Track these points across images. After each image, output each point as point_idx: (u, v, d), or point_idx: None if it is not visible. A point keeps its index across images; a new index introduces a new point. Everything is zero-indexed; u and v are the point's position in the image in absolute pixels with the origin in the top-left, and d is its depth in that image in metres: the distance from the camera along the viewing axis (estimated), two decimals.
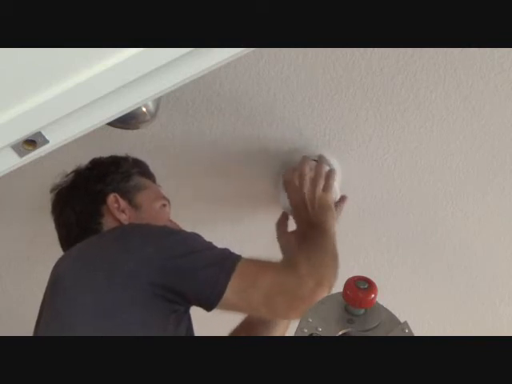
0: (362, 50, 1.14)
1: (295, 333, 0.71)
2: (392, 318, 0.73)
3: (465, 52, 1.13)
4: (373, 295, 0.72)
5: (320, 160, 1.33)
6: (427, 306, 1.72)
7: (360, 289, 0.71)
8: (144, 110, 1.20)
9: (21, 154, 0.74)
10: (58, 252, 1.18)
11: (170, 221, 1.24)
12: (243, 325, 1.30)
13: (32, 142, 0.73)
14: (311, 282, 1.03)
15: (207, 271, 1.01)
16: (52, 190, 1.25)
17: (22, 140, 0.72)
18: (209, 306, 1.02)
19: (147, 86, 0.72)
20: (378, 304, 0.73)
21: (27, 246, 1.60)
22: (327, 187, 1.30)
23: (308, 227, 1.24)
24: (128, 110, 0.76)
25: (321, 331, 0.71)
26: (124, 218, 1.18)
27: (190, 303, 1.04)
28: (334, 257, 1.13)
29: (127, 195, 1.21)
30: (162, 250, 1.02)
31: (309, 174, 1.30)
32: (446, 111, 1.24)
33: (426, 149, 1.33)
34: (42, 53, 0.66)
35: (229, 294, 1.00)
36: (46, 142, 0.73)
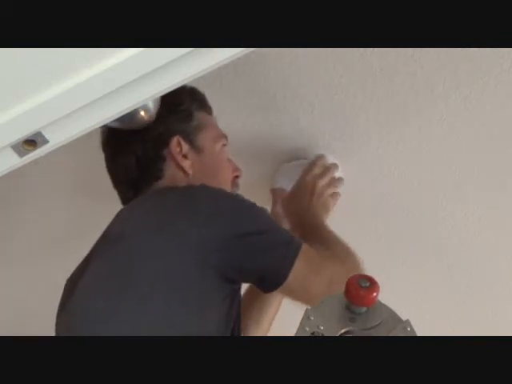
0: (361, 49, 1.14)
1: (297, 331, 0.71)
2: (394, 317, 0.73)
3: (465, 52, 1.12)
4: (374, 293, 0.71)
5: (340, 180, 1.36)
6: (427, 305, 1.72)
7: (362, 287, 0.71)
8: (144, 109, 1.20)
9: (21, 154, 0.74)
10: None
11: (229, 160, 1.22)
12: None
13: (32, 142, 0.73)
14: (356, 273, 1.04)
15: (276, 252, 0.99)
16: None
17: (22, 140, 0.72)
18: (271, 287, 1.01)
19: (147, 85, 0.72)
20: (380, 302, 0.73)
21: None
22: (335, 197, 1.34)
23: (303, 215, 1.26)
24: (128, 110, 0.76)
25: (322, 330, 0.71)
26: (187, 165, 1.14)
27: (250, 281, 1.03)
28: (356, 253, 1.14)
29: (189, 137, 1.16)
30: (235, 225, 0.99)
31: (333, 174, 1.33)
32: (446, 111, 1.24)
33: (426, 149, 1.33)
34: (42, 53, 0.66)
35: (292, 277, 0.98)
36: (45, 141, 0.74)
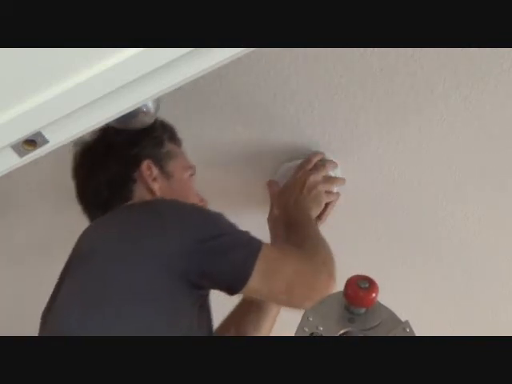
0: (361, 49, 1.14)
1: (296, 331, 0.72)
2: (393, 317, 0.73)
3: (465, 52, 1.12)
4: (374, 294, 0.72)
5: (341, 180, 1.36)
6: (427, 305, 1.72)
7: (361, 288, 0.71)
8: (144, 110, 1.20)
9: (21, 154, 0.74)
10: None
11: (197, 194, 1.25)
12: (234, 315, 1.30)
13: (32, 142, 0.73)
14: (325, 273, 1.04)
15: (236, 253, 1.01)
16: (75, 145, 1.19)
17: (22, 140, 0.72)
18: (234, 290, 1.01)
19: (147, 85, 0.72)
20: (379, 303, 0.73)
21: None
22: (330, 195, 1.33)
23: (293, 210, 1.26)
24: (128, 110, 0.76)
25: (322, 330, 0.71)
26: (156, 188, 1.17)
27: (215, 286, 1.04)
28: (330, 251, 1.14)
29: (160, 163, 1.20)
30: (196, 232, 1.01)
31: (327, 172, 1.33)
32: (446, 111, 1.24)
33: (425, 149, 1.33)
34: (42, 53, 0.66)
35: (254, 278, 0.99)
36: (45, 141, 0.74)
